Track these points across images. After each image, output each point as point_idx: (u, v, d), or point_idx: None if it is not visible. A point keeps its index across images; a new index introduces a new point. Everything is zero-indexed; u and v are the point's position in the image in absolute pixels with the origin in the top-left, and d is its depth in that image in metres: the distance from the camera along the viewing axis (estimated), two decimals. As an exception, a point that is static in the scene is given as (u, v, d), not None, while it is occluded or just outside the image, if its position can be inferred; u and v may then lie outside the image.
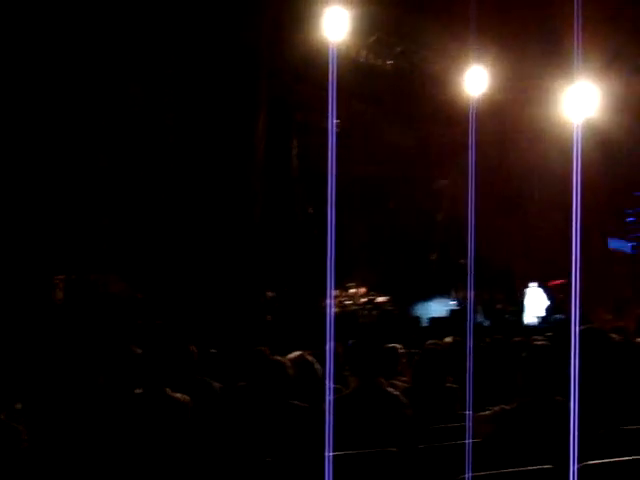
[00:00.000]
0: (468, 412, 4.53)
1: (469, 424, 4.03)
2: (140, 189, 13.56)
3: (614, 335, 5.40)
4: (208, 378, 4.94)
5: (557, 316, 16.29)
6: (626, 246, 19.42)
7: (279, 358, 3.95)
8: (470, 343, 5.38)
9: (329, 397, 4.02)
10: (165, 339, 4.28)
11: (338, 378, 5.53)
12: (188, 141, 13.75)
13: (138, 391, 3.96)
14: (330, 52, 11.72)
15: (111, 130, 13.15)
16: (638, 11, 14.18)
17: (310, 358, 4.72)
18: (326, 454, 3.18)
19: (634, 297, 16.46)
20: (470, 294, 13.93)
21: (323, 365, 5.42)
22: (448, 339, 7.46)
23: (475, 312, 15.80)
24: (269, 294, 14.85)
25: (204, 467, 3.52)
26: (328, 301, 16.27)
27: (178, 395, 3.91)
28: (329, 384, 4.16)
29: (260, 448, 3.61)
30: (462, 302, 17.95)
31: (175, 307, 11.98)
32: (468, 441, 3.59)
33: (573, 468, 2.92)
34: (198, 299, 12.64)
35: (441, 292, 18.51)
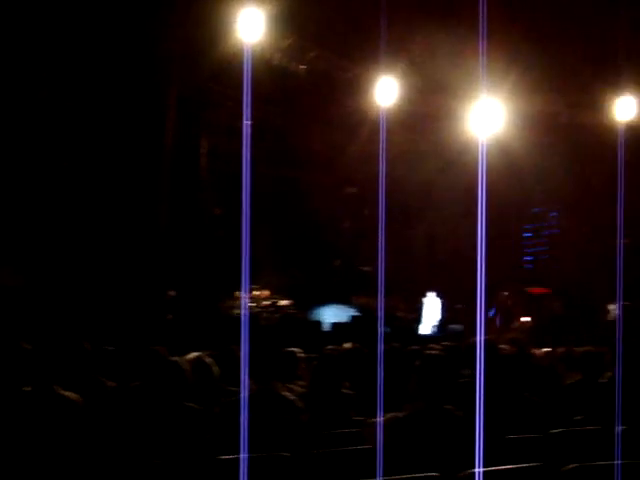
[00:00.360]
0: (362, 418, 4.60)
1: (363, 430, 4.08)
2: (43, 183, 13.18)
3: (505, 346, 5.59)
4: (102, 376, 4.83)
5: (453, 326, 16.72)
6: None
7: (176, 359, 3.89)
8: (381, 349, 5.45)
9: (244, 398, 4.00)
10: (57, 335, 4.15)
11: (235, 381, 5.51)
12: (94, 137, 13.45)
13: (26, 389, 3.83)
14: (245, 53, 11.71)
15: (11, 122, 12.75)
16: (542, 33, 14.72)
17: (208, 359, 4.68)
18: (241, 456, 3.16)
19: (522, 309, 17.07)
20: (380, 301, 14.12)
21: (222, 367, 5.38)
22: (347, 345, 7.55)
23: (376, 319, 16.00)
24: (170, 293, 14.65)
25: (93, 468, 3.44)
26: (243, 302, 16.24)
27: (68, 393, 3.80)
28: (244, 383, 4.14)
29: (151, 450, 3.55)
30: (363, 309, 18.17)
31: (71, 302, 11.68)
32: (360, 447, 3.64)
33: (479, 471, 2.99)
34: (98, 295, 12.37)
35: (343, 298, 18.68)
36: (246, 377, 4.03)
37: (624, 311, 14.93)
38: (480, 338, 3.48)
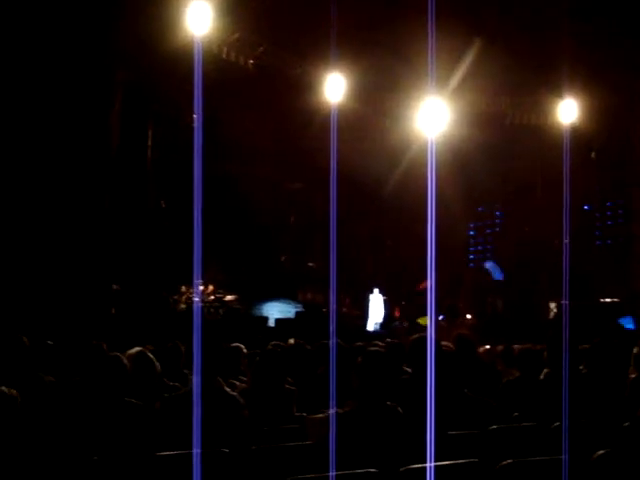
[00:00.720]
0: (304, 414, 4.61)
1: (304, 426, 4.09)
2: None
3: (447, 344, 5.66)
4: (41, 371, 4.74)
5: (397, 323, 16.86)
6: (497, 272, 20.19)
7: (116, 354, 3.85)
8: (334, 344, 5.47)
9: (196, 394, 3.97)
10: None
11: (178, 376, 5.48)
12: (36, 126, 13.17)
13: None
14: (196, 46, 11.62)
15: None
16: (486, 36, 14.93)
17: (150, 355, 4.64)
18: (194, 451, 3.14)
19: (464, 306, 17.30)
20: (332, 297, 14.16)
21: (165, 362, 5.34)
22: (290, 341, 7.56)
23: (320, 315, 16.05)
24: (114, 287, 14.46)
25: (31, 464, 3.38)
26: (196, 296, 16.12)
27: (4, 388, 3.72)
28: (196, 380, 4.09)
29: (90, 446, 3.50)
30: (308, 305, 18.21)
31: (9, 296, 11.44)
32: (301, 443, 3.65)
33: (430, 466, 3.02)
34: (38, 288, 12.16)
35: (289, 294, 18.69)
36: (198, 375, 4.00)
37: (564, 309, 15.25)
38: (430, 336, 3.52)
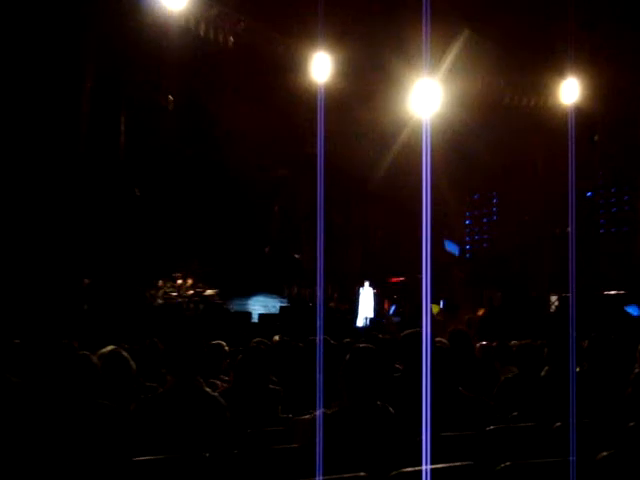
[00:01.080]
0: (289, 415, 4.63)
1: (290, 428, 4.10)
2: None
3: (442, 340, 5.69)
4: (7, 372, 4.73)
5: (387, 317, 16.93)
6: (455, 249, 20.44)
7: (85, 353, 3.84)
8: (320, 340, 5.48)
9: (175, 393, 3.95)
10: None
11: (155, 376, 5.48)
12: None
13: None
14: (170, 22, 11.52)
15: None
16: (483, 14, 14.94)
17: (125, 354, 4.63)
18: (173, 456, 3.13)
19: (464, 301, 17.35)
20: (320, 291, 14.18)
21: (141, 361, 5.34)
22: (275, 338, 7.58)
23: (307, 310, 16.07)
24: (86, 281, 14.42)
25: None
26: (175, 292, 16.08)
27: (-31, 391, 3.72)
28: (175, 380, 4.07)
29: (60, 450, 3.50)
30: (293, 299, 18.23)
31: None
32: (286, 446, 3.66)
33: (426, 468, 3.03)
34: (3, 283, 12.11)
35: (273, 287, 18.70)
36: (177, 374, 3.98)
37: (565, 303, 15.32)
38: (425, 331, 3.53)
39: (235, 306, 17.27)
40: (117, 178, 16.06)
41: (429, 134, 3.31)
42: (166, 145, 16.75)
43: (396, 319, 17.59)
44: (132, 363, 4.60)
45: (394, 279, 19.51)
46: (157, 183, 17.21)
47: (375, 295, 17.98)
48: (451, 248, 20.45)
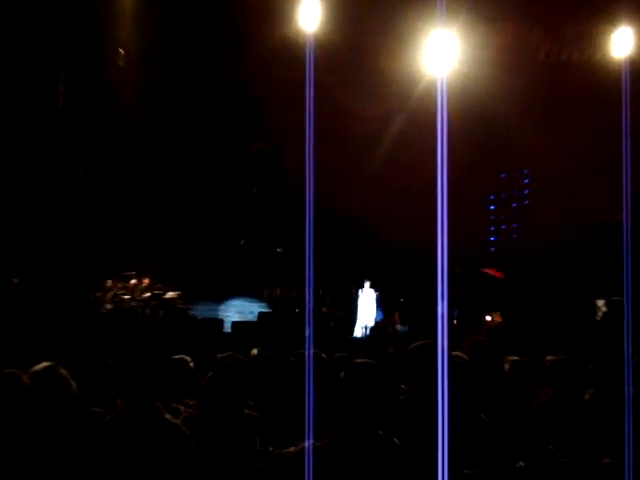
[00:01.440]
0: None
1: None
2: None
3: (460, 354, 5.70)
4: None
5: (390, 327, 16.98)
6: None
7: (14, 371, 3.84)
8: (310, 357, 5.49)
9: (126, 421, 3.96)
10: None
11: (102, 399, 5.48)
12: None
13: None
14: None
15: None
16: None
17: (63, 372, 4.62)
18: None
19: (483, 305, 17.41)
20: (309, 294, 14.19)
21: (85, 381, 5.33)
22: (253, 352, 7.58)
23: (291, 317, 16.10)
24: (15, 281, 14.41)
25: None
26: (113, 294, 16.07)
27: None
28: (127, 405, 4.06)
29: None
30: (276, 303, 18.25)
31: None
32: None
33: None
34: None
35: (250, 289, 18.72)
36: (130, 397, 3.98)
37: (615, 308, 15.37)
38: (443, 342, 3.53)
39: (203, 312, 17.28)
40: (54, 152, 16.00)
41: (445, 98, 3.31)
42: (116, 111, 16.72)
43: (402, 328, 17.63)
44: (72, 383, 4.59)
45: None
46: (105, 159, 17.16)
47: (378, 299, 18.00)
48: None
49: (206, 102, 17.69)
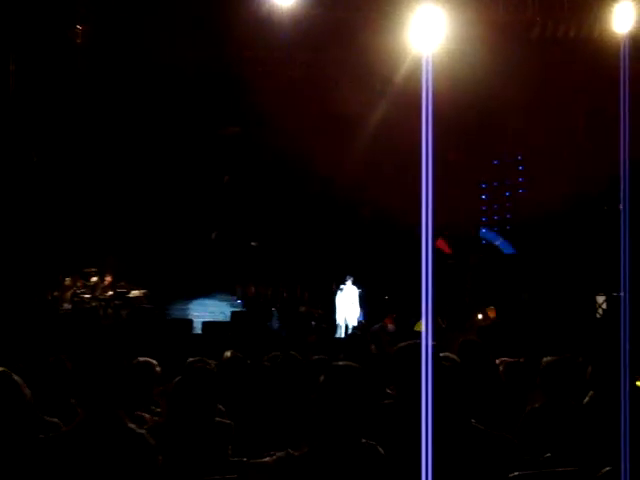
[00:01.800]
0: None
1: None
2: None
3: (450, 355, 5.71)
4: None
5: (376, 326, 16.96)
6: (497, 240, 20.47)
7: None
8: (287, 359, 5.47)
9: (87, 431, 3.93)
10: None
11: (61, 408, 5.46)
12: None
13: None
14: None
15: None
16: None
17: (16, 378, 4.60)
18: None
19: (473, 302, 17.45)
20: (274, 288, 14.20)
21: (41, 387, 5.32)
22: (226, 354, 7.57)
23: (266, 316, 16.11)
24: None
25: None
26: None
27: None
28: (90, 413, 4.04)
29: None
30: (251, 301, 18.23)
31: None
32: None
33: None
34: None
35: (222, 286, 18.69)
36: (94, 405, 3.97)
37: (616, 305, 15.43)
38: (426, 342, 3.53)
39: (171, 312, 17.26)
40: (4, 138, 15.92)
41: (430, 78, 3.30)
42: (74, 93, 16.64)
43: (390, 326, 17.61)
44: (26, 391, 4.57)
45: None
46: (62, 146, 17.07)
47: (361, 296, 17.95)
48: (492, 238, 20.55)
49: (172, 84, 17.62)
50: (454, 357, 5.67)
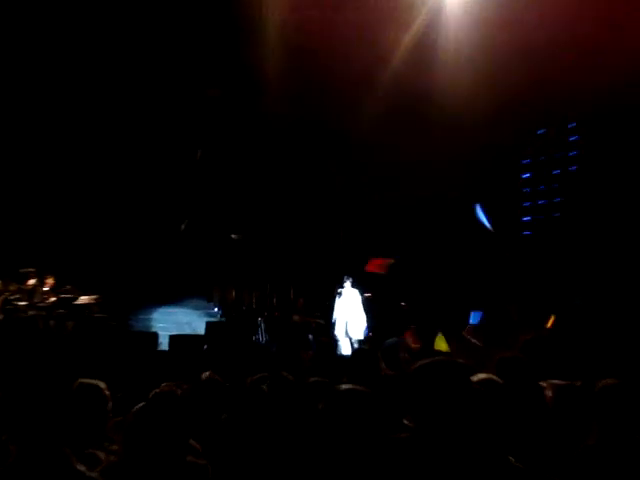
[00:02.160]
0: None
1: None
2: None
3: (487, 375, 5.72)
4: None
5: (392, 340, 16.99)
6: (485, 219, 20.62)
7: None
8: (277, 382, 5.49)
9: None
10: None
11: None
12: None
13: None
14: None
15: None
16: None
17: None
18: None
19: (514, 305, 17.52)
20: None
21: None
22: (203, 375, 7.60)
23: (248, 328, 16.17)
24: None
25: None
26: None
27: None
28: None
29: None
30: (230, 309, 18.27)
31: None
32: None
33: None
34: None
35: (195, 291, 18.74)
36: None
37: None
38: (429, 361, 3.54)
39: (130, 322, 17.33)
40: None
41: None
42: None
43: (416, 344, 17.63)
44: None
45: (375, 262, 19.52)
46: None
47: (366, 302, 17.91)
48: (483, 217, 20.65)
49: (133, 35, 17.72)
50: (493, 378, 5.69)
